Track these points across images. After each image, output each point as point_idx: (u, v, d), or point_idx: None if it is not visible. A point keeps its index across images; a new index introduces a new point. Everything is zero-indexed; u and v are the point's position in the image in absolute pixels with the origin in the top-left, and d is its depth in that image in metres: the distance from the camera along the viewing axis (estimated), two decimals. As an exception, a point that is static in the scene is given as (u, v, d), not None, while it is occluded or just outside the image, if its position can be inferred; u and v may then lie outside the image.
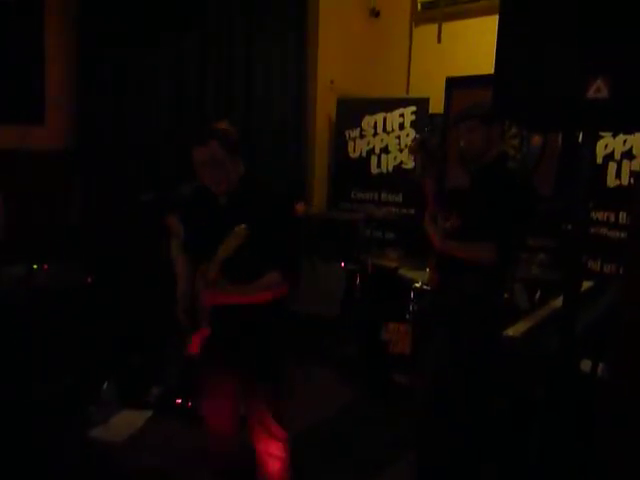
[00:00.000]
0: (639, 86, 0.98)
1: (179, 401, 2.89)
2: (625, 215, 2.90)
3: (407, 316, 3.14)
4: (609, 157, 2.98)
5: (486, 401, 2.16)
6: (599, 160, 2.98)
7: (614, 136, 2.91)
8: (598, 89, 1.02)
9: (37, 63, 2.92)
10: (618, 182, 2.96)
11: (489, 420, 2.24)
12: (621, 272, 2.94)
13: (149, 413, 2.86)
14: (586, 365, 2.01)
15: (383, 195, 4.27)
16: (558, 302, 2.30)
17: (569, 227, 2.95)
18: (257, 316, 1.85)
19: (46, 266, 2.69)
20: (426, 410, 2.16)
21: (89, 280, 2.73)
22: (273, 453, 1.95)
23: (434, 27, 4.21)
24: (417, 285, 3.15)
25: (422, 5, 4.16)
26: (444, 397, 2.07)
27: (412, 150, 2.18)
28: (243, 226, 1.69)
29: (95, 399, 2.77)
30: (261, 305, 1.84)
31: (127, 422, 2.78)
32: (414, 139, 2.11)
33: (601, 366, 2.04)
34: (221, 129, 1.81)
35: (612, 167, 2.96)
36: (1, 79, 2.78)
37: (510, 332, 1.72)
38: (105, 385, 2.82)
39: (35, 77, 2.92)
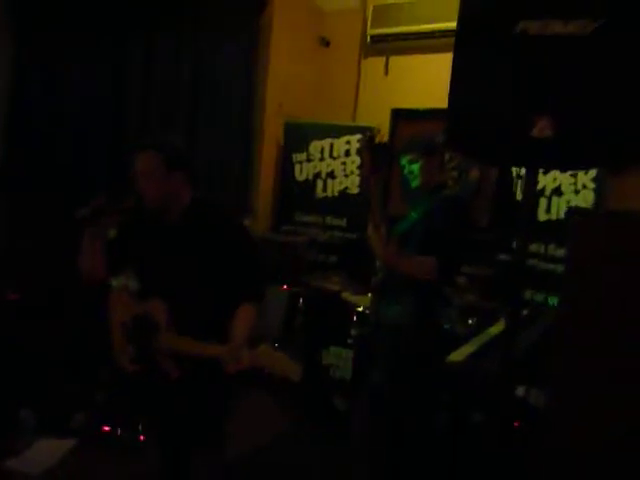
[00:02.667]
0: (582, 126, 1.05)
1: (107, 428, 2.70)
2: (554, 247, 3.08)
3: (349, 340, 3.15)
4: (540, 193, 3.18)
5: (427, 423, 2.18)
6: (531, 195, 3.17)
7: (545, 173, 3.11)
8: (542, 128, 1.08)
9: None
10: (548, 217, 3.15)
11: (428, 444, 2.26)
12: (549, 301, 3.11)
13: (72, 442, 2.64)
14: (520, 391, 2.09)
15: (328, 219, 4.31)
16: (495, 329, 2.40)
17: (503, 257, 3.11)
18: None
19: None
20: (362, 437, 2.15)
21: (11, 297, 2.53)
22: None
23: (382, 60, 4.38)
24: (359, 309, 3.18)
25: (371, 38, 4.31)
26: (382, 422, 2.08)
27: (362, 149, 2.23)
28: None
29: (10, 426, 2.54)
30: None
31: (46, 452, 2.55)
32: (362, 138, 2.14)
33: (533, 392, 2.13)
34: (163, 140, 1.71)
35: (543, 202, 3.16)
36: None
37: (453, 357, 1.76)
38: (22, 411, 2.59)
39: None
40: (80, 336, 2.90)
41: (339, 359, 3.13)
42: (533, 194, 1.30)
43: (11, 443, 2.49)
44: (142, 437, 2.64)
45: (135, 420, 2.68)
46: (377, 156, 2.12)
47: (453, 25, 4.16)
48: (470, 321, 2.88)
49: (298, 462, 2.73)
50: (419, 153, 2.15)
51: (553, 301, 3.04)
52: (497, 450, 1.62)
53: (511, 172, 3.39)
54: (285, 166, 4.43)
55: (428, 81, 4.04)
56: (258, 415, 3.14)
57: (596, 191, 2.91)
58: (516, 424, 2.07)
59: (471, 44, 1.17)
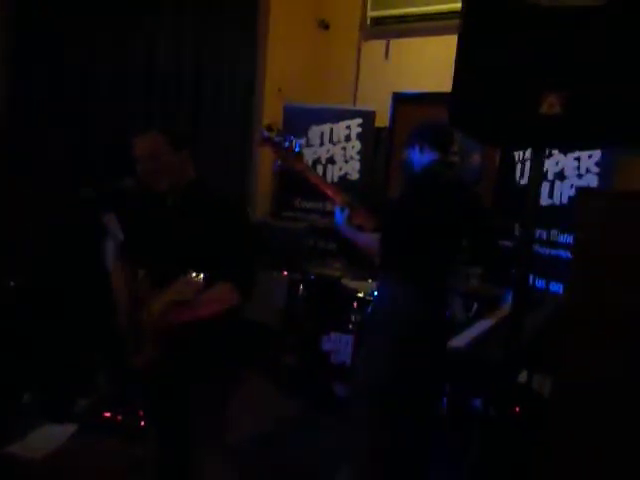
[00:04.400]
0: (595, 103, 1.01)
1: (108, 414, 2.70)
2: (557, 233, 3.06)
3: (349, 326, 3.14)
4: (543, 177, 3.14)
5: (423, 410, 2.17)
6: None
7: (548, 157, 3.07)
8: (551, 104, 1.05)
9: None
10: (551, 201, 3.12)
11: (428, 429, 2.26)
12: (550, 287, 3.10)
13: (73, 427, 2.65)
14: (522, 376, 2.08)
15: (328, 205, 4.27)
16: (497, 314, 2.38)
17: (505, 243, 3.09)
18: (205, 333, 1.70)
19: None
20: (355, 420, 2.14)
21: (11, 283, 2.51)
22: None
23: (382, 43, 4.31)
24: (360, 295, 3.17)
25: (371, 20, 4.24)
26: (379, 407, 2.06)
27: (258, 144, 2.26)
28: (200, 276, 1.54)
29: (13, 412, 2.54)
30: (209, 321, 1.67)
31: (48, 437, 2.55)
32: (259, 136, 2.21)
33: (536, 378, 2.12)
34: (166, 123, 1.73)
35: (545, 187, 3.13)
36: None
37: (455, 342, 1.74)
38: (25, 396, 2.59)
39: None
40: (83, 321, 2.89)
41: (339, 345, 3.13)
42: (540, 177, 1.27)
43: (14, 428, 2.49)
44: (142, 423, 2.64)
45: (135, 406, 2.68)
46: (273, 146, 2.14)
47: (454, 7, 4.09)
48: (473, 307, 2.88)
49: (297, 447, 2.74)
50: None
51: (555, 288, 3.03)
52: (498, 437, 1.61)
53: (513, 156, 3.36)
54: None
55: (429, 64, 3.99)
56: (257, 400, 3.15)
57: (600, 175, 2.87)
58: (517, 410, 2.06)
59: (478, 20, 1.13)
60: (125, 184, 1.64)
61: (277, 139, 2.14)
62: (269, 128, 2.16)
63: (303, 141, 4.27)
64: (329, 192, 2.19)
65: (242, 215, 1.81)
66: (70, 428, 2.63)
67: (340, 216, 2.15)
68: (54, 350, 2.86)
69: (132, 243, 1.85)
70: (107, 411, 2.70)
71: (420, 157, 2.10)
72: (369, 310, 2.65)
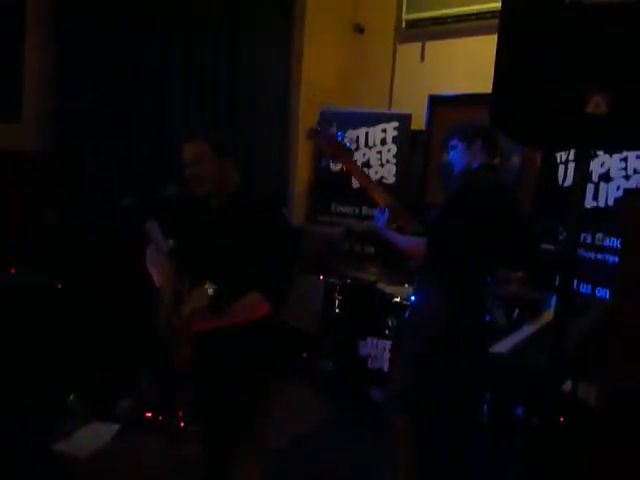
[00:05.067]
0: (638, 102, 0.98)
1: (149, 415, 2.77)
2: (602, 237, 2.94)
3: (386, 331, 3.12)
4: (587, 179, 3.03)
5: (460, 412, 2.13)
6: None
7: (592, 158, 2.97)
8: (597, 104, 1.02)
9: (14, 59, 2.81)
10: (595, 204, 3.01)
11: (467, 435, 2.21)
12: (596, 292, 2.98)
13: (117, 427, 2.73)
14: (567, 385, 2.01)
15: (364, 209, 4.26)
16: (540, 320, 2.31)
17: (547, 246, 3.00)
18: (238, 340, 1.72)
19: (13, 270, 2.57)
20: (397, 426, 2.11)
21: (58, 286, 2.61)
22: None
23: (418, 45, 4.27)
24: (396, 300, 3.14)
25: (407, 23, 4.21)
26: (416, 409, 2.03)
27: (307, 136, 2.21)
28: (211, 287, 1.59)
29: (60, 411, 2.64)
30: (242, 328, 1.69)
31: (93, 436, 2.65)
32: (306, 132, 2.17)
33: (581, 386, 2.04)
34: (210, 130, 1.78)
35: (589, 189, 3.02)
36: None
37: (497, 348, 1.70)
38: (71, 396, 2.69)
39: (12, 73, 2.81)
40: (126, 323, 2.98)
41: (376, 350, 3.11)
42: (585, 178, 1.23)
43: (61, 427, 2.59)
44: (182, 423, 2.69)
45: (176, 407, 2.74)
46: (331, 138, 2.10)
47: (490, 6, 4.00)
48: (514, 313, 2.80)
49: (334, 452, 2.73)
50: (456, 140, 2.09)
51: (601, 293, 2.91)
52: (541, 446, 1.56)
53: (555, 158, 3.26)
54: (320, 156, 4.39)
55: (466, 66, 3.92)
56: (295, 405, 3.16)
57: (649, 176, 2.75)
58: (560, 419, 1.99)
59: (518, 20, 1.10)
60: (168, 192, 1.69)
61: (330, 132, 2.12)
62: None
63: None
64: (373, 192, 2.15)
65: (283, 224, 1.82)
66: (113, 428, 2.72)
67: (380, 218, 2.13)
68: (98, 351, 2.96)
69: (179, 247, 1.90)
70: (148, 411, 2.77)
71: (464, 158, 2.06)
72: (406, 315, 2.62)
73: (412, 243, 2.06)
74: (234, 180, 1.80)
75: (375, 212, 2.17)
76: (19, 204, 2.84)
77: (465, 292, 1.98)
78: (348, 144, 2.15)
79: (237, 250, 1.70)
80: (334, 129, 2.14)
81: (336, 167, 4.32)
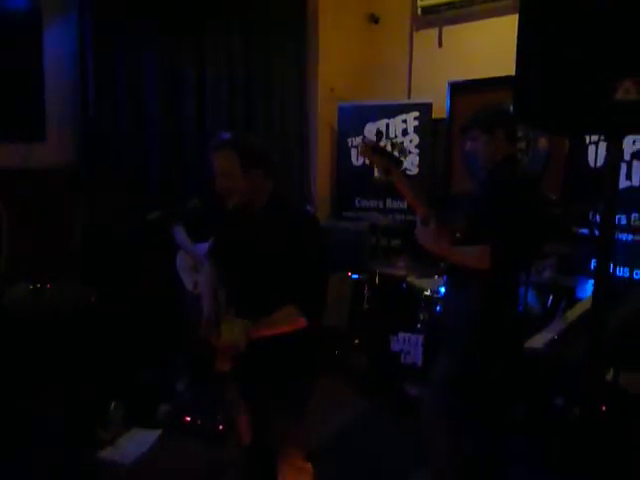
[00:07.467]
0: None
1: (188, 419, 2.82)
2: (637, 216, 2.84)
3: (418, 326, 3.09)
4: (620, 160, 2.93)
5: (500, 412, 2.09)
6: (608, 161, 2.93)
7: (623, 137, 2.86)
8: (627, 90, 0.97)
9: (37, 79, 2.88)
10: (629, 183, 2.91)
11: (504, 430, 2.17)
12: (634, 275, 2.88)
13: (158, 432, 2.79)
14: (608, 374, 1.95)
15: (388, 202, 4.22)
16: (573, 312, 2.25)
17: (579, 230, 2.91)
18: (276, 351, 1.72)
19: (49, 285, 2.64)
20: (432, 423, 2.09)
21: (92, 299, 2.68)
22: None
23: (435, 31, 4.19)
24: (427, 293, 3.10)
25: (422, 10, 4.13)
26: (451, 410, 2.01)
27: (362, 152, 2.08)
28: (246, 323, 1.61)
29: (102, 419, 2.71)
30: (279, 340, 1.68)
31: (136, 442, 2.71)
32: (361, 145, 2.02)
33: (623, 374, 1.98)
34: (240, 138, 1.71)
35: (622, 168, 2.91)
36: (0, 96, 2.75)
37: (532, 343, 1.66)
38: (112, 404, 2.76)
39: (35, 93, 2.88)
40: (160, 330, 3.03)
41: (409, 345, 3.08)
42: (618, 163, 1.18)
43: (104, 436, 2.66)
44: (221, 427, 2.73)
45: (215, 411, 2.78)
46: (382, 156, 1.98)
47: (507, -15, 3.77)
48: (548, 299, 2.74)
49: (369, 448, 2.73)
50: (478, 131, 2.02)
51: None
52: (585, 438, 1.52)
53: (584, 139, 3.15)
54: (341, 151, 4.37)
55: (485, 48, 3.83)
56: (330, 402, 3.16)
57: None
58: (603, 408, 1.94)
59: (539, 8, 1.06)
60: (191, 205, 1.69)
61: (383, 147, 2.01)
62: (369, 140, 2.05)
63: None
64: (417, 208, 2.05)
65: (315, 237, 1.76)
66: (155, 433, 2.78)
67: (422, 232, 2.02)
68: (135, 359, 3.03)
69: (217, 253, 1.90)
70: (187, 416, 2.82)
71: (487, 150, 2.00)
72: (439, 310, 2.58)
73: (466, 254, 1.95)
74: (265, 189, 1.75)
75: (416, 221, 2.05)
76: (50, 221, 2.92)
77: (503, 289, 1.95)
78: (397, 154, 2.05)
79: (269, 262, 1.69)
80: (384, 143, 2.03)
81: (358, 162, 4.30)
